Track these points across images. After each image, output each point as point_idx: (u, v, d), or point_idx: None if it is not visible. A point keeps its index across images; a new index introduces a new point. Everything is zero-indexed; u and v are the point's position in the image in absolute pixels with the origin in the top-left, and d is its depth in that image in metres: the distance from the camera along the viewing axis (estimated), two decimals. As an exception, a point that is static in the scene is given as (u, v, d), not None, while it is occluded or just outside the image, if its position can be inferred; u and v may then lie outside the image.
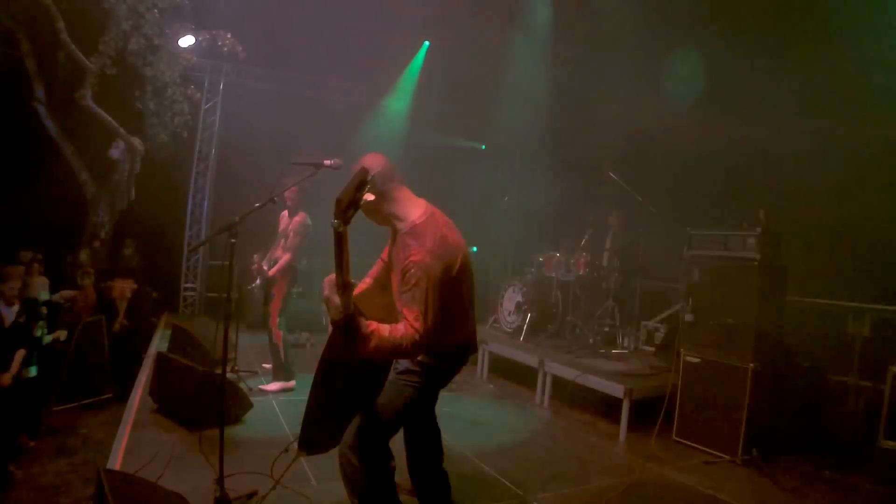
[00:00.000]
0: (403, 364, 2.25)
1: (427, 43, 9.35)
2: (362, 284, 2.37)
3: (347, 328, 1.91)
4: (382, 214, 2.21)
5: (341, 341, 1.99)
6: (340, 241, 1.78)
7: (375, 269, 2.48)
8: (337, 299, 1.89)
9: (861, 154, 4.58)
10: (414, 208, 2.21)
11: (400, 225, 2.19)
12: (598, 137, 6.90)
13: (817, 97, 4.71)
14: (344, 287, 1.87)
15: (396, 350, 1.99)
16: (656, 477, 3.51)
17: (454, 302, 2.15)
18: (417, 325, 1.96)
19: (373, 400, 2.24)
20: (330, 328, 2.25)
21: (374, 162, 2.17)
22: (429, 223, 2.15)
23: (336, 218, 1.75)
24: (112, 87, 7.42)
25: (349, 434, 2.21)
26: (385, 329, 1.97)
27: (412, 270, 2.00)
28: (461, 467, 3.34)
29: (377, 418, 2.21)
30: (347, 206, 1.76)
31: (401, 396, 2.23)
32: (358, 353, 1.95)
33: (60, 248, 7.82)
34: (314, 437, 2.33)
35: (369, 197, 2.02)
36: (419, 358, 2.19)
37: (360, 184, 1.82)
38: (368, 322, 1.96)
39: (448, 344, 2.21)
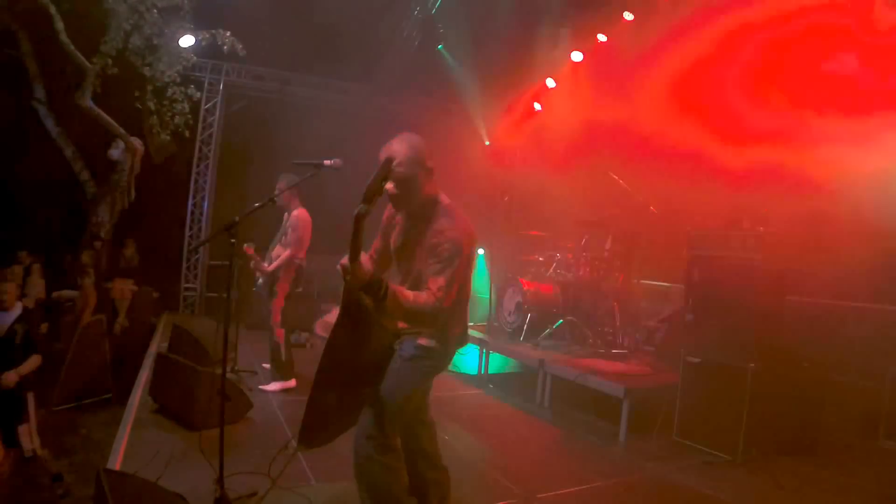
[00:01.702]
0: (409, 350, 2.29)
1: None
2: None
3: (371, 288, 2.00)
4: (421, 197, 2.24)
5: (351, 318, 2.08)
6: (359, 224, 1.89)
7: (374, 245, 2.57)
8: (357, 267, 1.97)
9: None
10: (439, 191, 2.31)
11: (429, 207, 2.26)
12: (599, 137, 6.91)
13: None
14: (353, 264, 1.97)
15: (417, 313, 2.11)
16: (656, 477, 3.51)
17: (464, 287, 2.28)
18: (440, 294, 2.08)
19: (376, 392, 2.28)
20: (328, 318, 2.27)
21: (407, 147, 2.17)
22: (455, 207, 2.27)
23: (363, 203, 1.86)
24: (112, 87, 7.42)
25: (366, 426, 2.23)
26: (408, 293, 2.09)
27: (446, 245, 2.11)
28: (461, 467, 3.33)
29: (389, 405, 2.25)
30: (373, 195, 1.87)
31: (409, 382, 2.30)
32: (381, 312, 2.05)
33: (61, 249, 7.83)
34: (315, 430, 2.35)
35: (390, 187, 2.12)
36: (424, 342, 2.26)
37: (386, 175, 1.94)
38: (388, 282, 2.05)
39: (451, 330, 2.31)
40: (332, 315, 2.25)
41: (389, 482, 2.23)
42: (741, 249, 3.89)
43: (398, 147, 2.17)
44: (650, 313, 5.95)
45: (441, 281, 2.09)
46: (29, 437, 3.76)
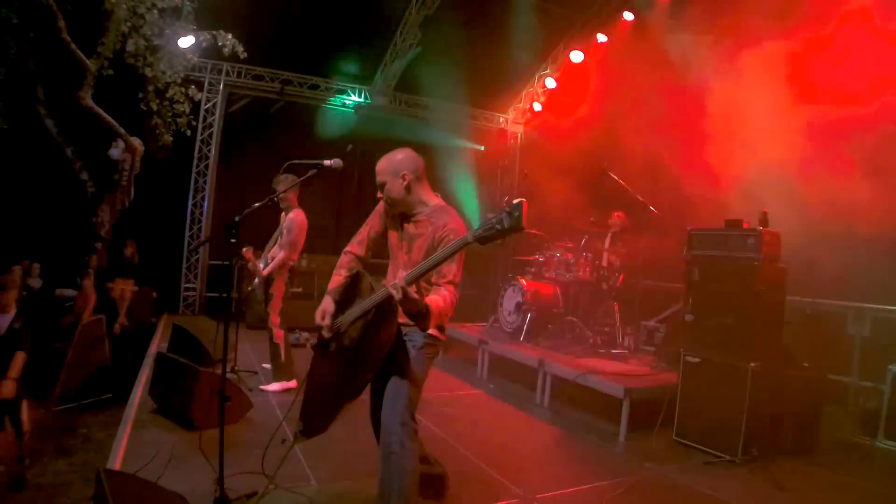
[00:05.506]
0: (419, 339, 2.41)
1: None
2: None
3: (425, 314, 2.16)
4: (409, 202, 2.44)
5: (389, 327, 2.22)
6: (459, 251, 2.04)
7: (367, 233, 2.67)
8: (416, 296, 2.08)
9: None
10: (432, 194, 2.51)
11: (422, 208, 2.45)
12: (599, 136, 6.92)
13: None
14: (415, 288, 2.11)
15: (449, 310, 2.28)
16: (656, 477, 3.51)
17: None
18: (456, 280, 2.32)
19: (395, 381, 2.33)
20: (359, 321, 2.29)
21: (412, 162, 2.43)
22: (447, 205, 2.48)
23: (477, 242, 1.95)
24: (112, 87, 7.41)
25: (395, 414, 2.26)
26: (438, 299, 2.23)
27: (451, 237, 2.29)
28: (461, 467, 3.34)
29: (413, 392, 2.33)
30: (487, 242, 1.94)
31: (423, 369, 2.40)
32: (429, 325, 2.25)
33: (61, 249, 7.83)
34: (315, 419, 2.41)
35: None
36: (434, 333, 2.42)
37: (505, 235, 1.88)
38: (427, 302, 2.18)
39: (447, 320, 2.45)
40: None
41: (417, 468, 2.28)
42: (741, 249, 3.89)
43: (410, 160, 2.43)
44: (650, 313, 5.95)
45: (453, 268, 2.30)
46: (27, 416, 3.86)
